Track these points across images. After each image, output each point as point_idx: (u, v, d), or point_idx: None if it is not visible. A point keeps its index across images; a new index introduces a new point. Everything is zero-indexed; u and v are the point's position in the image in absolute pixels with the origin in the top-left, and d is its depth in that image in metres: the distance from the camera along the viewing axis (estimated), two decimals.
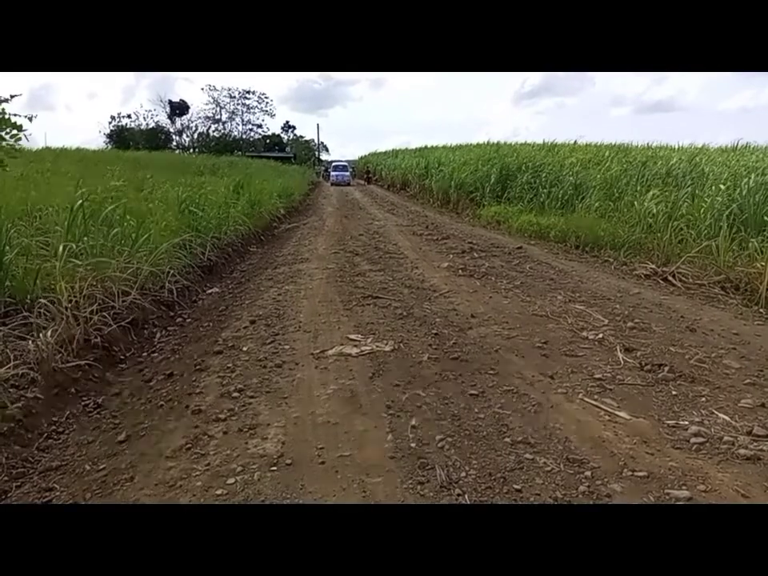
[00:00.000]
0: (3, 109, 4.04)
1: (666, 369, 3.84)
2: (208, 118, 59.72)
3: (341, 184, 36.56)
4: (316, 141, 64.90)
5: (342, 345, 4.43)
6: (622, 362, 4.02)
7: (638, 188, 10.30)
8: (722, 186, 8.06)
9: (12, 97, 4.14)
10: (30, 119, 4.23)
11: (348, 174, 38.83)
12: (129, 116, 58.17)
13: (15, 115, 4.11)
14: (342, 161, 44.51)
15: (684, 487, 2.48)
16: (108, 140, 55.68)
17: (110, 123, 57.41)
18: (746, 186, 7.65)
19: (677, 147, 16.70)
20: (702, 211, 7.87)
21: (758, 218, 7.06)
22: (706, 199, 8.09)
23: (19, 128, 4.04)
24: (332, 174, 38.91)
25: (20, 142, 4.16)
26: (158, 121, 58.81)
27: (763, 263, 5.96)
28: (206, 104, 62.76)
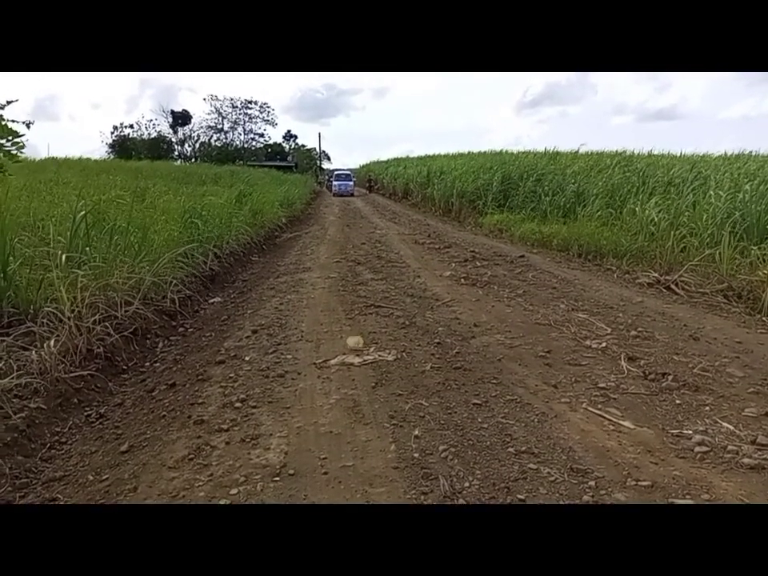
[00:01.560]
0: (0, 115, 4.05)
1: (670, 378, 3.83)
2: (210, 127, 60.07)
3: (344, 195, 34.42)
4: (317, 150, 65.20)
5: (344, 354, 4.43)
6: (626, 371, 4.01)
7: (640, 196, 10.31)
8: (721, 193, 8.07)
9: (8, 102, 4.15)
10: (28, 125, 4.24)
11: (352, 183, 36.58)
12: (131, 126, 58.60)
13: (13, 121, 4.13)
14: (344, 170, 42.26)
15: (688, 496, 2.47)
16: (110, 150, 56.02)
17: (112, 133, 57.81)
18: (747, 194, 7.66)
19: (678, 155, 16.76)
20: (704, 219, 7.88)
21: (759, 226, 7.06)
22: (707, 207, 8.09)
23: (15, 134, 4.05)
24: (334, 183, 36.46)
25: (22, 151, 4.17)
26: (160, 131, 59.20)
27: (766, 271, 5.95)
28: (209, 114, 63.28)
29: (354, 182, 38.36)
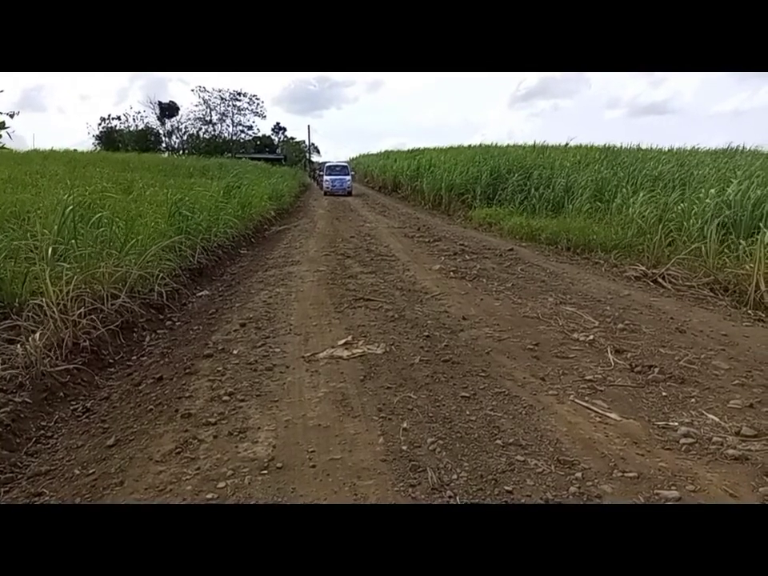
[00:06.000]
0: None
1: (656, 370, 3.86)
2: (198, 119, 59.58)
3: (338, 193, 26.61)
4: (307, 142, 64.88)
5: (333, 347, 4.42)
6: (613, 364, 4.03)
7: (626, 190, 10.37)
8: (712, 191, 8.11)
9: None
10: (12, 116, 4.19)
11: (348, 178, 27.85)
12: (118, 118, 57.99)
13: None
14: (334, 162, 32.26)
15: (673, 487, 2.50)
16: (97, 142, 55.44)
17: (99, 125, 57.18)
18: (736, 190, 7.71)
19: (666, 150, 16.88)
20: (692, 213, 7.93)
21: (746, 220, 7.12)
22: (697, 202, 8.13)
23: (1, 125, 4.00)
24: (326, 178, 27.92)
25: (1, 140, 4.12)
26: (147, 122, 58.60)
27: (752, 265, 6.01)
28: (196, 105, 62.83)
29: (353, 176, 30.26)
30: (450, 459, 2.75)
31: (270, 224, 14.09)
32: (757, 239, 6.26)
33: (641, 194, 9.52)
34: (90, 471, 2.75)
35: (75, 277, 4.52)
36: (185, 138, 59.51)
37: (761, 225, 6.62)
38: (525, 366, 4.01)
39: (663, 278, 6.93)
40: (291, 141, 69.63)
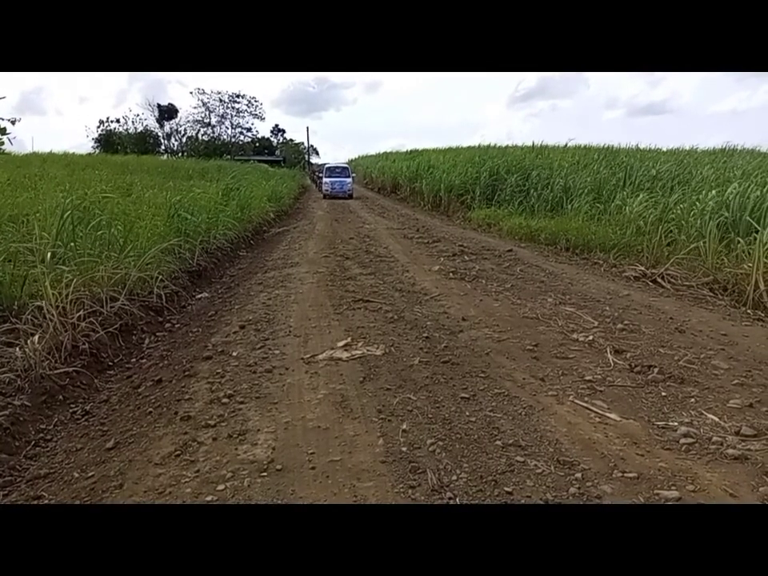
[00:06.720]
0: None
1: (656, 370, 3.86)
2: (197, 121, 59.61)
3: (338, 196, 25.52)
4: (306, 144, 64.95)
5: (332, 349, 4.42)
6: (612, 364, 4.03)
7: (625, 191, 10.37)
8: (713, 192, 8.10)
9: None
10: (13, 122, 4.20)
11: (349, 180, 26.65)
12: (117, 120, 58.01)
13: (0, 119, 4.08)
14: (333, 163, 31.66)
15: (673, 487, 2.49)
16: (96, 144, 55.46)
17: (98, 128, 57.20)
18: (736, 190, 7.71)
19: (666, 150, 16.92)
20: (691, 214, 7.92)
21: (745, 220, 7.12)
22: (697, 204, 8.12)
23: (2, 131, 4.01)
24: (325, 180, 26.71)
25: (3, 146, 4.12)
26: (146, 125, 58.60)
27: (750, 264, 6.01)
28: (195, 108, 62.86)
29: (354, 178, 28.85)
30: (449, 460, 2.75)
31: (270, 226, 14.10)
32: (756, 238, 6.27)
33: (640, 195, 9.53)
34: (89, 474, 2.75)
35: (74, 279, 4.52)
36: (184, 140, 59.55)
37: (752, 222, 6.62)
38: (524, 367, 4.01)
39: (662, 278, 6.93)
40: (290, 143, 69.79)
